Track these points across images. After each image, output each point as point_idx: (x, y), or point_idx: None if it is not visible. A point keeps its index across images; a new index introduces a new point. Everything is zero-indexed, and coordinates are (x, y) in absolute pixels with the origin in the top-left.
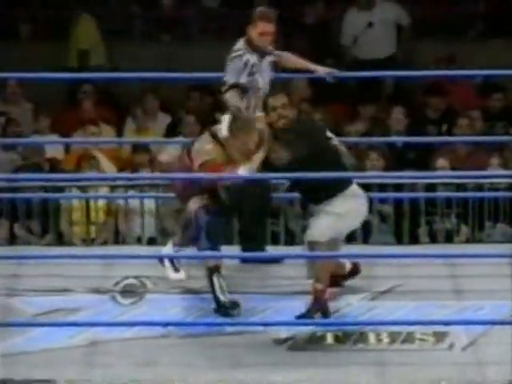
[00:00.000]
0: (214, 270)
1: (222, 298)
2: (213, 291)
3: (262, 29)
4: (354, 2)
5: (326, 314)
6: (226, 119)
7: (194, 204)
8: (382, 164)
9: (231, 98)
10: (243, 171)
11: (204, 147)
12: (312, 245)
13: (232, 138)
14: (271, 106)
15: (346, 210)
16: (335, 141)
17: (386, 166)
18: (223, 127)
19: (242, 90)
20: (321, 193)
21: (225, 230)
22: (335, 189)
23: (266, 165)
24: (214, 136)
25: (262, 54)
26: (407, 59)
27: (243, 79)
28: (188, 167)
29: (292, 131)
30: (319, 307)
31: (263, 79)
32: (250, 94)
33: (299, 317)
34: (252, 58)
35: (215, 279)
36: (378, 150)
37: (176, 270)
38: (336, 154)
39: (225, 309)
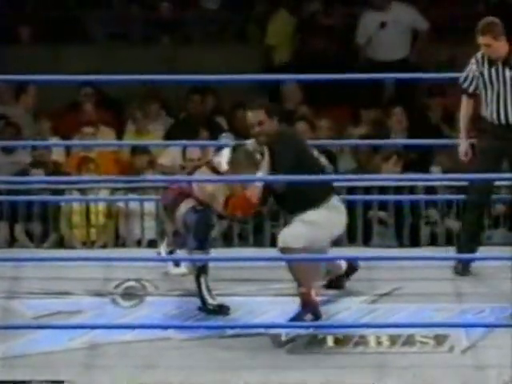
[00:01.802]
0: (201, 271)
1: (208, 298)
2: (199, 291)
3: (478, 41)
4: (370, 2)
5: (316, 315)
6: (225, 153)
7: (183, 209)
8: (399, 167)
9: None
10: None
11: (214, 188)
12: (285, 251)
13: (232, 171)
14: (250, 123)
15: (321, 219)
16: (317, 154)
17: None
18: (223, 161)
19: (468, 95)
20: (303, 204)
21: (211, 230)
22: (314, 200)
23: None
24: (214, 170)
25: (493, 65)
26: (420, 63)
27: (466, 85)
28: (184, 191)
29: (274, 145)
30: (309, 310)
31: (491, 92)
32: (482, 105)
33: (289, 321)
34: (475, 69)
35: (202, 280)
36: (397, 153)
37: (176, 264)
38: (319, 165)
39: (210, 310)
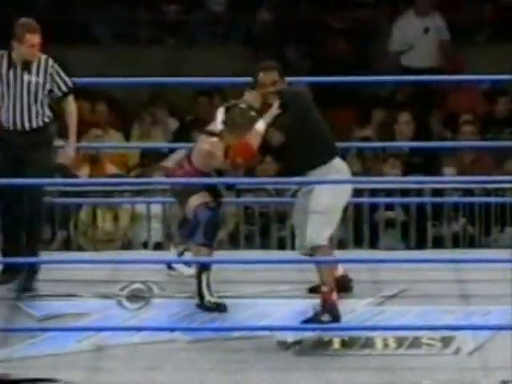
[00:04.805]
0: (204, 268)
1: (207, 296)
2: (199, 287)
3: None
4: (406, 7)
5: (335, 315)
6: (219, 114)
7: (195, 201)
8: (399, 170)
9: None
10: (261, 124)
11: (209, 141)
12: (315, 250)
13: (228, 131)
14: (261, 83)
15: (333, 200)
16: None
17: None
18: (218, 121)
19: None
20: (302, 163)
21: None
22: (318, 159)
23: (262, 146)
24: (210, 133)
25: (11, 66)
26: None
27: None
28: (189, 173)
29: (281, 101)
30: (327, 309)
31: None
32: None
33: (306, 320)
34: None
35: (204, 277)
36: (396, 156)
37: (189, 265)
38: (322, 126)
39: (207, 307)
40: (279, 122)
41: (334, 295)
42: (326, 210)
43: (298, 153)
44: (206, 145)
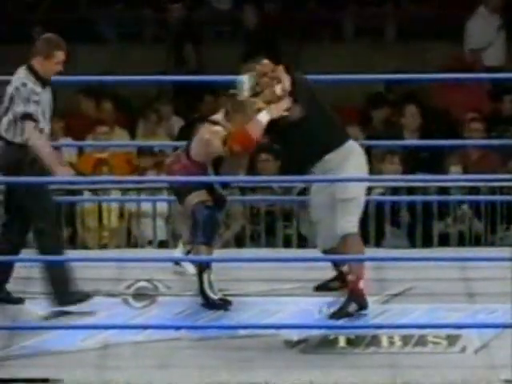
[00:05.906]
0: (204, 267)
1: (210, 294)
2: (201, 287)
3: (58, 57)
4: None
5: (361, 304)
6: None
7: (193, 199)
8: (400, 168)
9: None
10: (265, 116)
11: (210, 130)
12: (347, 237)
13: (230, 122)
14: (261, 73)
15: (357, 189)
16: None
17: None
18: (221, 113)
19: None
20: (317, 146)
21: (218, 227)
22: (334, 141)
23: (277, 124)
24: (215, 122)
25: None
26: None
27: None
28: (186, 166)
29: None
30: (354, 298)
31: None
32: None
33: (333, 314)
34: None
35: (205, 276)
36: (397, 154)
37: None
38: (329, 111)
39: (212, 305)
40: (297, 97)
41: (362, 283)
42: (355, 195)
43: (314, 135)
44: (206, 134)
